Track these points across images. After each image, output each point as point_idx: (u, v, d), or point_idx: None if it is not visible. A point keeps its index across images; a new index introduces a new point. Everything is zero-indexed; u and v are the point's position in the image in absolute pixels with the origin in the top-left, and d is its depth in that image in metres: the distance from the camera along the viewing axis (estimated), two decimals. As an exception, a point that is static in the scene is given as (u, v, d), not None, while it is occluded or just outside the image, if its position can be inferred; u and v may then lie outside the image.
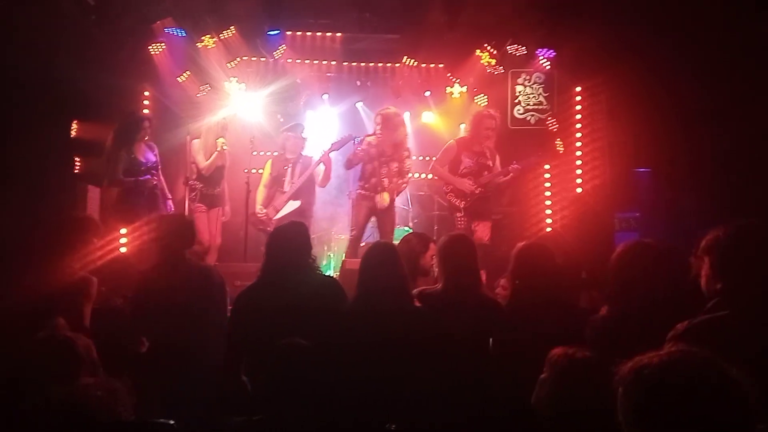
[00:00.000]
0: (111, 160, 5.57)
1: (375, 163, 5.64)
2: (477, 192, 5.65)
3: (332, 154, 5.83)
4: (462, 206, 5.65)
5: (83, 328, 3.08)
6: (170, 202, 5.83)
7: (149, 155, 5.69)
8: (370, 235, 6.96)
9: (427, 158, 8.05)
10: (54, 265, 3.21)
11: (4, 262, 4.29)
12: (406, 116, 7.83)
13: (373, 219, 5.78)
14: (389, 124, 5.61)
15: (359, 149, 5.73)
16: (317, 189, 6.13)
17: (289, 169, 5.89)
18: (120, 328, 3.36)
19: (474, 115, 5.93)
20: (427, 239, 3.96)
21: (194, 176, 5.89)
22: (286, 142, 5.99)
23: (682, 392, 1.32)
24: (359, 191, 5.72)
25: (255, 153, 6.14)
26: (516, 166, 5.70)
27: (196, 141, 5.94)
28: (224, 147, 5.80)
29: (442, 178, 5.91)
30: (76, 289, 3.19)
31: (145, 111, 6.63)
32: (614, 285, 2.53)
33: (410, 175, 5.91)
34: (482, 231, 5.63)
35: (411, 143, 7.44)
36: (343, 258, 5.82)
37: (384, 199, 5.64)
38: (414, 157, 7.64)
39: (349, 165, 5.80)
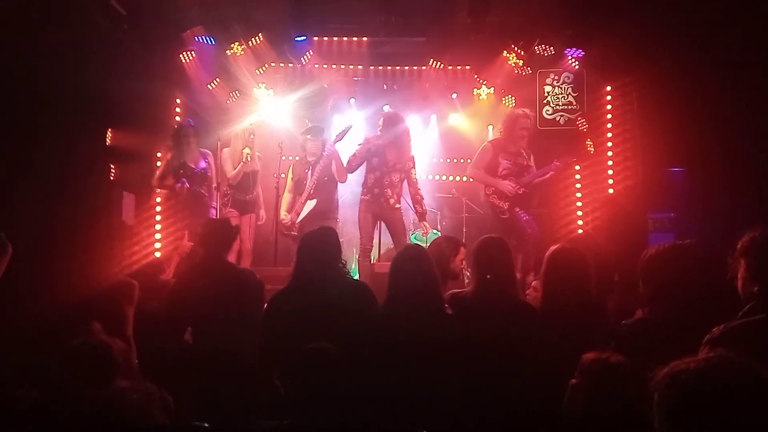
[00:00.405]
0: (160, 165, 5.89)
1: (377, 173, 5.63)
2: (520, 192, 5.63)
3: (338, 147, 5.82)
4: (506, 207, 5.64)
5: (125, 332, 3.15)
6: (214, 210, 5.92)
7: (201, 162, 5.82)
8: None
9: (454, 160, 8.06)
10: (94, 269, 3.28)
11: (43, 265, 4.41)
12: (433, 119, 7.86)
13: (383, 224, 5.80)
14: (391, 126, 5.57)
15: (358, 148, 5.70)
16: (342, 188, 6.16)
17: (309, 172, 5.93)
18: (155, 331, 3.43)
19: (508, 116, 5.90)
20: (458, 242, 3.96)
21: (226, 182, 5.99)
22: (305, 145, 6.04)
23: (719, 398, 1.31)
24: (362, 198, 5.73)
25: (284, 158, 6.20)
26: (557, 163, 5.74)
27: (226, 150, 6.06)
28: (248, 158, 5.89)
29: (482, 182, 5.87)
30: (118, 293, 3.26)
31: (177, 118, 6.77)
32: (648, 288, 2.48)
33: (419, 178, 5.87)
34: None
35: (436, 148, 7.45)
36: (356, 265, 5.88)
37: (426, 228, 5.84)
38: (444, 160, 7.66)
39: (349, 167, 5.76)
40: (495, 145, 5.79)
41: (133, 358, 3.08)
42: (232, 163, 6.00)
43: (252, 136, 6.04)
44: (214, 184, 5.94)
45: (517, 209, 5.66)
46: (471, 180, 6.50)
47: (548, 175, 5.77)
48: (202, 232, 3.78)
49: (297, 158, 6.20)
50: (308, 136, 6.04)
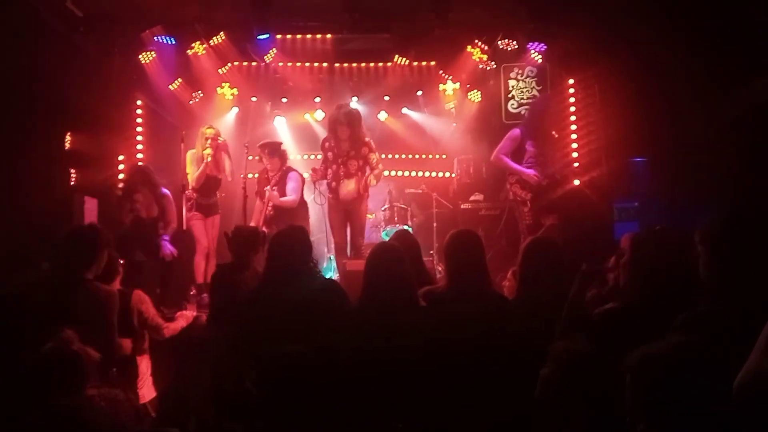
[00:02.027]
0: (117, 211, 5.38)
1: (334, 167, 5.63)
2: (544, 183, 5.57)
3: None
4: (528, 198, 5.53)
5: (110, 341, 3.10)
6: (166, 244, 5.26)
7: (154, 209, 5.33)
8: (370, 234, 6.96)
9: (423, 156, 8.08)
10: (75, 276, 3.19)
11: (4, 274, 4.29)
12: (400, 115, 7.87)
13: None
14: (342, 117, 5.51)
15: (321, 151, 5.66)
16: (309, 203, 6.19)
17: (269, 189, 5.92)
18: None
19: (536, 100, 5.81)
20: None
21: (190, 186, 5.87)
22: (264, 159, 6.04)
23: (685, 380, 1.37)
24: (327, 196, 5.73)
25: (250, 158, 6.13)
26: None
27: (189, 152, 5.92)
28: (208, 159, 5.76)
29: (506, 168, 5.70)
30: (97, 303, 3.17)
31: (139, 120, 6.65)
32: (626, 276, 2.49)
33: (379, 168, 5.68)
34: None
35: (404, 145, 7.40)
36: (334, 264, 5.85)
37: (347, 187, 5.52)
38: (413, 156, 7.61)
39: (314, 175, 5.71)
40: (523, 132, 5.63)
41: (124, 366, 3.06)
42: (195, 165, 5.85)
43: (209, 141, 5.82)
44: (173, 223, 5.41)
45: (526, 209, 5.56)
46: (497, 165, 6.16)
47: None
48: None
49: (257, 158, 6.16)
50: (264, 153, 6.01)
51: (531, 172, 5.53)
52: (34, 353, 2.36)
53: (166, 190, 5.41)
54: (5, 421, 2.17)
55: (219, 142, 5.90)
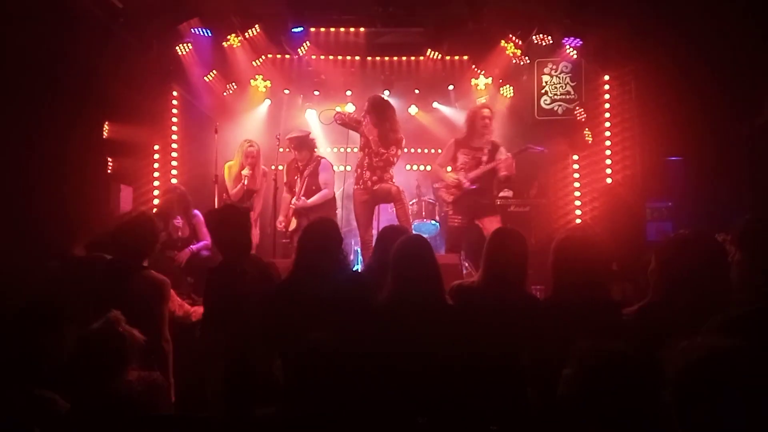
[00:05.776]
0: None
1: (360, 155, 5.65)
2: (465, 186, 5.57)
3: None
4: (450, 200, 5.70)
5: (161, 332, 3.20)
6: (205, 252, 5.43)
7: (185, 229, 5.40)
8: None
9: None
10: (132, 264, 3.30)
11: (42, 260, 4.42)
12: (430, 109, 7.84)
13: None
14: (376, 111, 5.49)
15: (352, 111, 5.76)
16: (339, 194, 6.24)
17: (298, 179, 5.94)
18: None
19: (468, 111, 5.90)
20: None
21: (225, 194, 5.96)
22: (294, 151, 6.05)
23: (727, 381, 1.41)
24: (354, 188, 5.68)
25: (282, 150, 6.18)
26: (507, 155, 5.62)
27: (228, 164, 5.98)
28: (245, 181, 5.84)
29: (434, 175, 6.26)
30: (152, 290, 3.26)
31: (174, 111, 6.76)
32: (659, 278, 2.45)
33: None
34: (491, 225, 5.38)
35: (432, 139, 7.37)
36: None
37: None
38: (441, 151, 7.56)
39: (338, 117, 5.71)
40: (457, 141, 5.73)
41: (167, 356, 3.15)
42: (230, 179, 5.93)
43: (249, 160, 5.86)
44: (204, 240, 5.41)
45: (449, 210, 5.72)
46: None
47: (493, 164, 5.59)
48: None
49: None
50: (293, 145, 6.01)
51: (449, 174, 5.67)
52: (81, 333, 2.41)
53: (197, 212, 5.44)
54: (38, 409, 2.22)
55: (258, 160, 5.94)
